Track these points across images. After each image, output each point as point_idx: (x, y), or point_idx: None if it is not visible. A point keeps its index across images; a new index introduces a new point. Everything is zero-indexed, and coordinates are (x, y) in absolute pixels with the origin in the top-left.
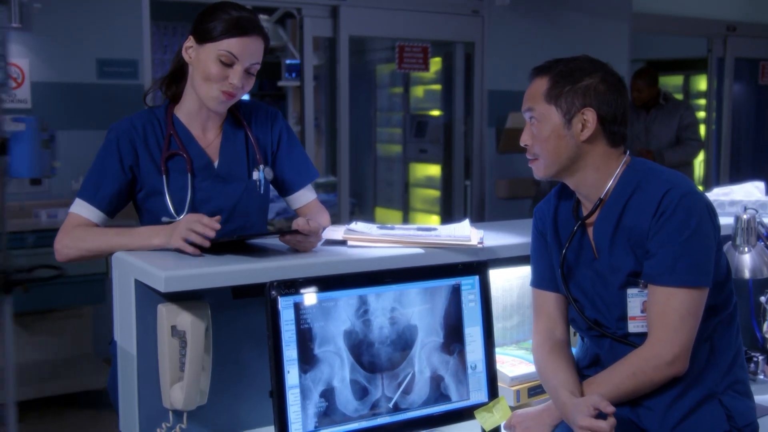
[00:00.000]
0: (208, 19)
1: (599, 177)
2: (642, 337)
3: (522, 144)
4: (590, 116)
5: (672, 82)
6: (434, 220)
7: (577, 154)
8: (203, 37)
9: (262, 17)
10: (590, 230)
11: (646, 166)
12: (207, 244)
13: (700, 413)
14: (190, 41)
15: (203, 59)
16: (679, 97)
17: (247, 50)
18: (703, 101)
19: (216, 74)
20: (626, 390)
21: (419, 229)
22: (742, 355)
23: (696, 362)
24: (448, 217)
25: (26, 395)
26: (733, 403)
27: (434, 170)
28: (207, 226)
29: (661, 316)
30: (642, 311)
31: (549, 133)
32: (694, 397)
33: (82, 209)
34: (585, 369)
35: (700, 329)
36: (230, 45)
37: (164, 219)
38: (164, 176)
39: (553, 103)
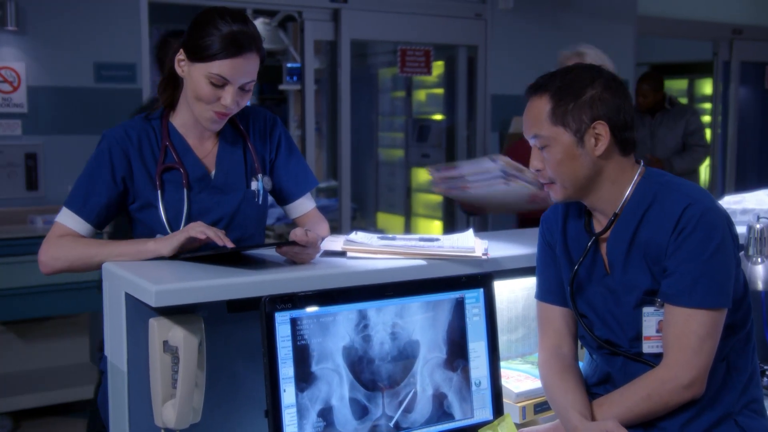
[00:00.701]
0: (199, 35)
1: (615, 190)
2: (657, 356)
3: (532, 169)
4: (602, 129)
5: (677, 85)
6: (436, 225)
7: (594, 171)
8: (194, 54)
9: (263, 20)
10: (603, 245)
11: (663, 179)
12: (222, 242)
13: None
14: (182, 55)
15: (194, 78)
16: (684, 101)
17: (239, 71)
18: (708, 105)
19: (207, 96)
20: (640, 413)
21: (421, 239)
22: (758, 373)
23: (712, 383)
24: (450, 222)
25: (22, 404)
26: (748, 423)
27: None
28: (217, 234)
29: (680, 338)
30: (658, 331)
31: (562, 156)
32: (709, 419)
33: (68, 220)
34: (594, 386)
35: (717, 349)
36: (221, 68)
37: (158, 236)
38: (159, 191)
39: (560, 123)
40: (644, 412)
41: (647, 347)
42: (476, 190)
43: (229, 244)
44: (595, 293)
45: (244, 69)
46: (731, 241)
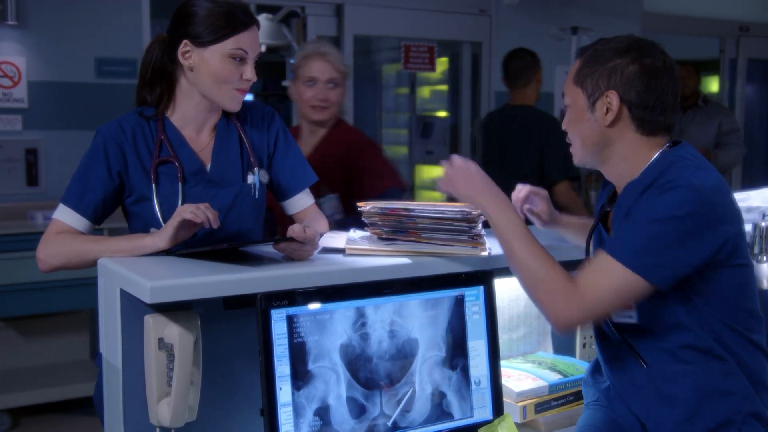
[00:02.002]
0: (200, 19)
1: (627, 166)
2: (634, 337)
3: (563, 128)
4: (614, 99)
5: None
6: None
7: (603, 141)
8: (204, 39)
9: (266, 16)
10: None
11: (678, 154)
12: (211, 224)
13: None
14: (186, 46)
15: (211, 61)
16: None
17: (255, 41)
18: None
19: (229, 74)
20: (521, 257)
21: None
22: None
23: (705, 383)
24: None
25: (21, 401)
26: None
27: (441, 172)
28: (206, 213)
29: (589, 277)
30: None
31: (574, 117)
32: (705, 422)
33: (65, 216)
34: (592, 375)
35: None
36: (239, 42)
37: (152, 230)
38: (154, 184)
39: (580, 84)
40: (527, 269)
41: (616, 316)
42: None
43: (215, 225)
44: None
45: (256, 38)
46: (695, 222)
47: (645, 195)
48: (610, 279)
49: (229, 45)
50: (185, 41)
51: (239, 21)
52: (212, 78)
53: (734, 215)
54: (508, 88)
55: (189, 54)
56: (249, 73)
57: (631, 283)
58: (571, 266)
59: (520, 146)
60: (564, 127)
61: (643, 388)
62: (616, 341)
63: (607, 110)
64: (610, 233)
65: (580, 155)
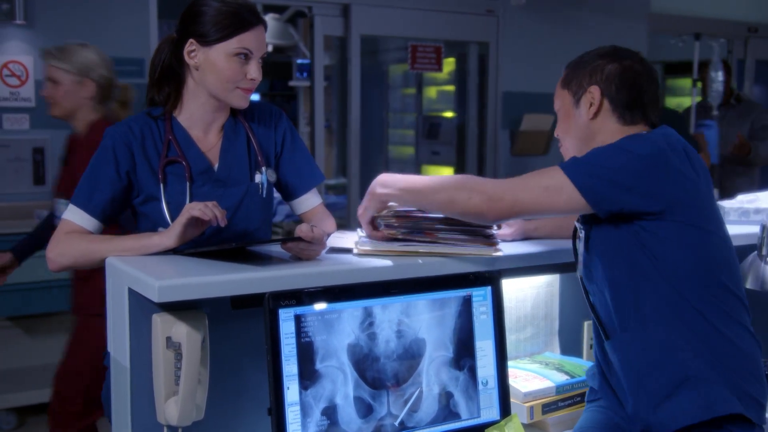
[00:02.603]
0: (206, 19)
1: None
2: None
3: (555, 135)
4: (596, 93)
5: (690, 84)
6: None
7: (588, 134)
8: (209, 38)
9: (273, 16)
10: None
11: (654, 132)
12: (218, 222)
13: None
14: (191, 45)
15: (215, 61)
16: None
17: (260, 40)
18: None
19: (234, 74)
20: (431, 191)
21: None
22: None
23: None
24: None
25: (27, 400)
26: None
27: (447, 173)
28: (214, 210)
29: (535, 172)
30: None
31: (563, 116)
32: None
33: (75, 216)
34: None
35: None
36: (244, 41)
37: (160, 230)
38: (162, 184)
39: (566, 86)
40: (439, 191)
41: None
42: None
43: (222, 223)
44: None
45: (261, 39)
46: (641, 157)
47: None
48: (550, 179)
49: (233, 44)
50: (191, 40)
51: (244, 20)
52: (217, 77)
53: (689, 177)
54: None
55: (195, 53)
56: (253, 72)
57: (565, 190)
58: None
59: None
60: (556, 133)
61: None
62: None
63: (591, 105)
64: None
65: (567, 153)
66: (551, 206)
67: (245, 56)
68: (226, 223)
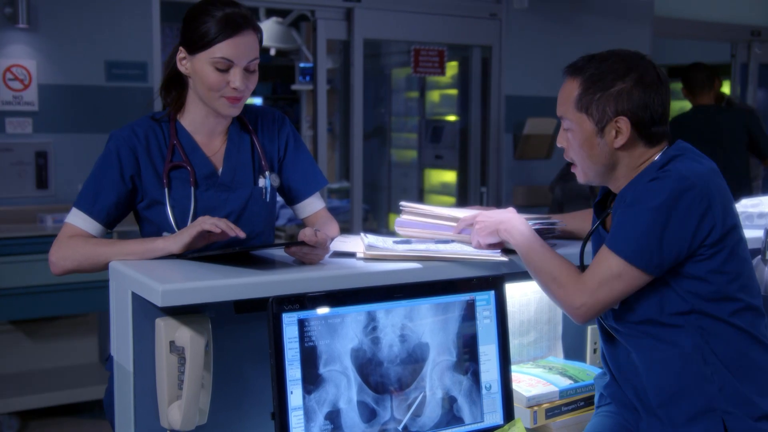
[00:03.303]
0: (193, 26)
1: (634, 174)
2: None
3: (558, 145)
4: (624, 125)
5: None
6: None
7: (613, 162)
8: (193, 46)
9: (276, 20)
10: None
11: (673, 153)
12: (235, 233)
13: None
14: (182, 52)
15: (199, 69)
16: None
17: (240, 50)
18: None
19: (216, 82)
20: (538, 266)
21: (438, 242)
22: (756, 371)
23: (685, 370)
24: None
25: (30, 404)
26: (738, 426)
27: (450, 176)
28: (229, 225)
29: (593, 268)
30: None
31: (582, 142)
32: (688, 407)
33: (78, 220)
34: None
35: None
36: (223, 50)
37: (165, 234)
38: (166, 189)
39: (584, 110)
40: (543, 273)
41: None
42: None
43: (241, 234)
44: None
45: (245, 47)
46: (682, 211)
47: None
48: (609, 268)
49: (212, 53)
50: (180, 48)
51: (228, 27)
52: (202, 85)
53: (723, 202)
54: (691, 95)
55: (185, 61)
56: (236, 81)
57: (626, 271)
58: None
59: (731, 137)
60: (562, 145)
61: (632, 369)
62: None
63: (616, 134)
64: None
65: (586, 176)
66: (626, 292)
67: (227, 65)
68: (244, 235)
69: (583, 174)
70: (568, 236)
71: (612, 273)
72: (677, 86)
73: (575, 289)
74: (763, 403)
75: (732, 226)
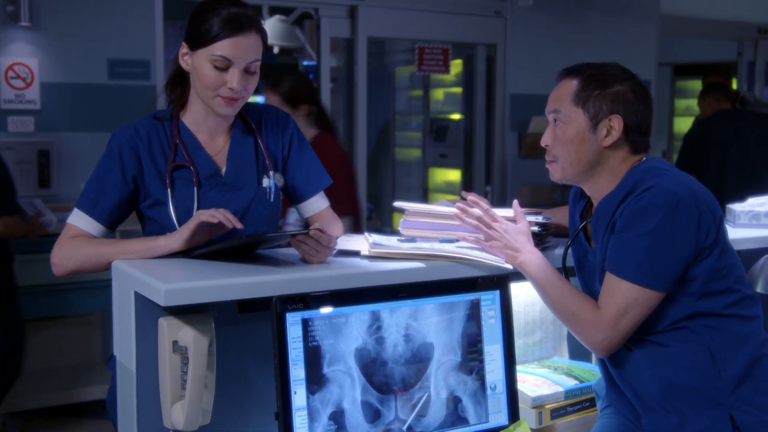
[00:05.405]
0: (197, 22)
1: (611, 183)
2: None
3: (543, 144)
4: (617, 123)
5: (700, 86)
6: None
7: (598, 160)
8: (195, 42)
9: (279, 18)
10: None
11: (650, 165)
12: (234, 226)
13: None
14: (184, 48)
15: (198, 66)
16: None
17: (240, 50)
18: None
19: (213, 81)
20: (557, 302)
21: (442, 241)
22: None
23: (695, 370)
24: None
25: (31, 404)
26: (744, 418)
27: (454, 175)
28: (226, 215)
29: (606, 300)
30: None
31: (573, 136)
32: (697, 407)
33: (80, 221)
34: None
35: (698, 339)
36: (223, 48)
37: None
38: (169, 189)
39: (581, 105)
40: (561, 307)
41: None
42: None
43: (239, 225)
44: (587, 275)
45: (246, 48)
46: (679, 226)
47: (624, 205)
48: (623, 296)
49: (212, 51)
50: (183, 43)
51: (231, 26)
52: (200, 83)
53: (708, 203)
54: (715, 105)
55: (187, 57)
56: (234, 81)
57: (641, 295)
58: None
59: (755, 139)
60: (547, 143)
61: (633, 371)
62: None
63: (607, 132)
64: (591, 244)
65: (564, 172)
66: (645, 315)
67: (226, 64)
68: (241, 226)
69: (561, 170)
70: (560, 233)
71: (628, 301)
72: (684, 84)
73: (594, 323)
74: None
75: (719, 219)
